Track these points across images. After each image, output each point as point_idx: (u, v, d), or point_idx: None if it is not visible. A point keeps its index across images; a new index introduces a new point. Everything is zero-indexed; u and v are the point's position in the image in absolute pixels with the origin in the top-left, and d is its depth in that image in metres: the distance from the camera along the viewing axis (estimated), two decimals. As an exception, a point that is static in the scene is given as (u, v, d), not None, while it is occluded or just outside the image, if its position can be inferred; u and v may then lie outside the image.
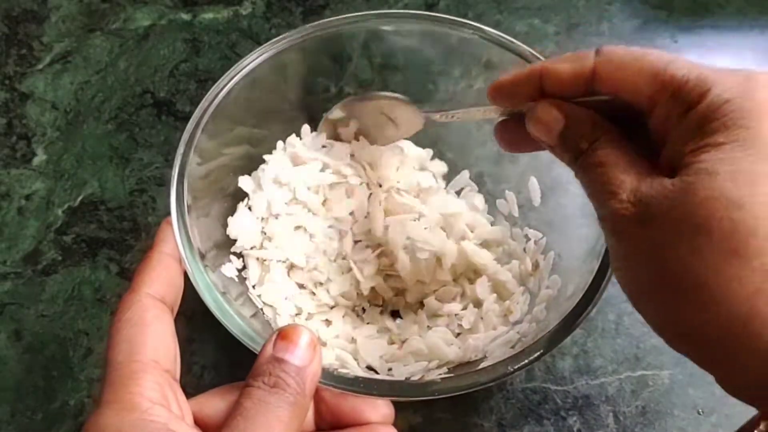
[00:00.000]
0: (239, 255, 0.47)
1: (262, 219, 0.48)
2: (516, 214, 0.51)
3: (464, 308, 0.48)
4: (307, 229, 0.49)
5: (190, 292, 0.40)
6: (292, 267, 0.49)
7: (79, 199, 0.55)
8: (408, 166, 0.52)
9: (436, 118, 0.45)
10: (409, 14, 0.49)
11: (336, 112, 0.49)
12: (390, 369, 0.45)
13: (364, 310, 0.49)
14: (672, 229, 0.29)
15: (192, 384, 0.47)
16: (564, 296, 0.42)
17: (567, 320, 0.38)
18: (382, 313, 0.49)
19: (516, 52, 0.46)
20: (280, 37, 0.48)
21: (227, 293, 0.41)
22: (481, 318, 0.47)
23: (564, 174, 0.48)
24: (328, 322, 0.48)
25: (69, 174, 0.56)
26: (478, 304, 0.48)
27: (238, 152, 0.49)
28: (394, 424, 0.39)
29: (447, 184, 0.53)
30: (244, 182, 0.48)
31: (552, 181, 0.49)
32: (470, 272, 0.49)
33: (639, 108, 0.33)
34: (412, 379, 0.43)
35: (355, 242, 0.50)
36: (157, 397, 0.33)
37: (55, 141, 0.58)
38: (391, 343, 0.47)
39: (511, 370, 0.37)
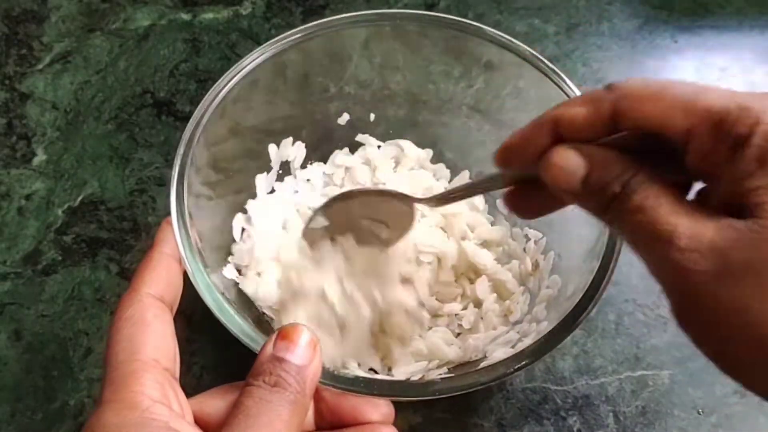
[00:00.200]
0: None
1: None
2: (516, 213, 0.51)
3: (464, 308, 0.48)
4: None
5: (189, 292, 0.40)
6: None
7: (79, 199, 0.55)
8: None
9: (431, 205, 0.41)
10: (409, 14, 0.49)
11: (317, 221, 0.45)
12: (390, 369, 0.45)
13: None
14: (758, 282, 0.25)
15: (192, 384, 0.47)
16: (564, 296, 0.42)
17: (567, 320, 0.38)
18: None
19: (516, 51, 0.46)
20: (280, 37, 0.48)
21: (227, 293, 0.41)
22: (481, 318, 0.47)
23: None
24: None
25: (69, 174, 0.56)
26: (478, 304, 0.48)
27: (238, 152, 0.49)
28: (394, 424, 0.39)
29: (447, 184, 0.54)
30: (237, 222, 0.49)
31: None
32: (470, 272, 0.49)
33: (670, 143, 0.29)
34: (413, 379, 0.44)
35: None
36: (157, 395, 0.33)
37: (55, 141, 0.58)
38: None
39: (512, 370, 0.37)
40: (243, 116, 0.48)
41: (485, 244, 0.50)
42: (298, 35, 0.48)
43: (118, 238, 0.54)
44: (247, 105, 0.48)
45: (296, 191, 0.52)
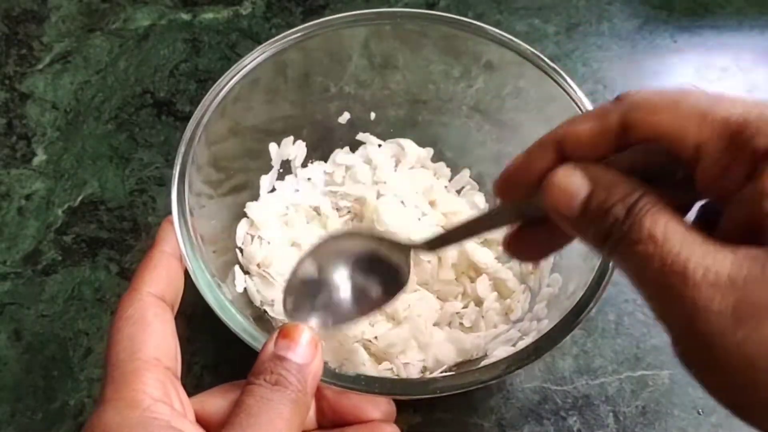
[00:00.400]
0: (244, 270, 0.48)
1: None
2: (517, 213, 0.51)
3: (465, 307, 0.48)
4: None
5: (190, 292, 0.40)
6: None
7: (79, 199, 0.55)
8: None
9: (427, 249, 0.38)
10: (409, 14, 0.49)
11: (305, 268, 0.40)
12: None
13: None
14: None
15: (192, 384, 0.47)
16: (565, 294, 0.42)
17: (568, 318, 0.38)
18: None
19: (516, 50, 0.46)
20: (280, 36, 0.48)
21: (228, 291, 0.41)
22: (482, 316, 0.47)
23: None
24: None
25: (69, 174, 0.56)
26: (478, 302, 0.48)
27: (239, 151, 0.49)
28: (394, 423, 0.39)
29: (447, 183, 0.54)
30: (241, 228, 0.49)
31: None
32: (471, 271, 0.49)
33: (680, 159, 0.27)
34: (414, 377, 0.44)
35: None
36: (159, 394, 0.33)
37: (55, 141, 0.58)
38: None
39: (512, 368, 0.37)
40: (243, 116, 0.48)
41: (486, 242, 0.50)
42: (298, 35, 0.48)
43: (118, 238, 0.54)
44: (248, 105, 0.48)
45: (297, 190, 0.52)
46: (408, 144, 0.53)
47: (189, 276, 0.40)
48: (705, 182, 0.26)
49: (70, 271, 0.52)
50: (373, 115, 0.53)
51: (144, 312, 0.36)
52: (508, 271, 0.48)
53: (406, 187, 0.51)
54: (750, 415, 0.24)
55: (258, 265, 0.47)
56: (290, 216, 0.50)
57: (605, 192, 0.27)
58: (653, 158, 0.28)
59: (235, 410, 0.32)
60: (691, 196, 0.28)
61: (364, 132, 0.54)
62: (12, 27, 0.64)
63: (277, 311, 0.46)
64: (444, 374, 0.41)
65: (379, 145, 0.54)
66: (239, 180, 0.49)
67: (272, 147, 0.51)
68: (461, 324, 0.47)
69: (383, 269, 0.39)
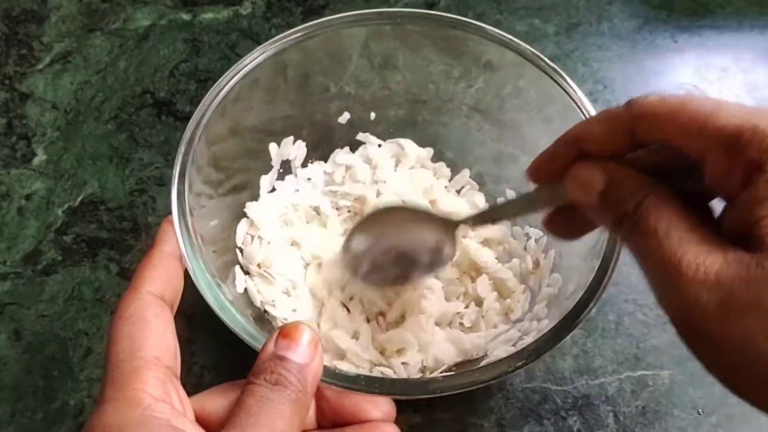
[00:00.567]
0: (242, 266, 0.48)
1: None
2: (517, 212, 0.51)
3: (465, 306, 0.48)
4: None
5: (190, 292, 0.40)
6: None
7: (79, 199, 0.55)
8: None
9: (471, 225, 0.42)
10: (409, 14, 0.49)
11: (357, 240, 0.45)
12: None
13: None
14: (763, 319, 0.24)
15: (192, 384, 0.47)
16: (565, 294, 0.42)
17: (568, 318, 0.38)
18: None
19: (516, 50, 0.46)
20: (280, 36, 0.48)
21: (228, 291, 0.41)
22: (482, 316, 0.47)
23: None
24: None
25: (69, 174, 0.56)
26: (479, 302, 0.48)
27: (239, 151, 0.49)
28: (394, 424, 0.39)
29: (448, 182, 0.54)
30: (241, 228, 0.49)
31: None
32: (472, 270, 0.49)
33: (689, 163, 0.29)
34: (414, 376, 0.44)
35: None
36: (159, 393, 0.33)
37: (55, 141, 0.58)
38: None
39: (513, 368, 0.37)
40: (243, 116, 0.48)
41: (486, 242, 0.50)
42: (298, 35, 0.48)
43: (118, 238, 0.54)
44: (248, 105, 0.48)
45: (297, 190, 0.52)
46: (408, 144, 0.53)
47: (189, 276, 0.40)
48: (711, 183, 0.29)
49: (70, 271, 0.52)
50: (373, 115, 0.53)
51: (144, 311, 0.36)
52: (508, 271, 0.48)
53: (406, 187, 0.51)
54: (739, 388, 0.27)
55: (258, 265, 0.47)
56: (290, 216, 0.50)
57: (618, 187, 0.31)
58: (668, 155, 0.30)
59: (235, 410, 0.32)
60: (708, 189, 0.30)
61: (364, 132, 0.54)
62: (12, 27, 0.64)
63: (277, 311, 0.46)
64: (444, 374, 0.41)
65: (379, 145, 0.54)
66: (239, 180, 0.49)
67: (272, 147, 0.51)
68: (461, 324, 0.47)
69: (429, 242, 0.43)
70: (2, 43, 0.63)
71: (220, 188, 0.47)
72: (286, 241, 0.50)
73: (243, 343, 0.38)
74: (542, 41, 0.64)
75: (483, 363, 0.41)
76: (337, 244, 0.49)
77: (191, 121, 0.44)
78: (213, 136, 0.45)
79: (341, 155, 0.53)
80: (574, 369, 0.49)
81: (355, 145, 0.54)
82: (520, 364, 0.37)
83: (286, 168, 0.52)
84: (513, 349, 0.40)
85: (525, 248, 0.49)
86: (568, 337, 0.38)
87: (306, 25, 0.48)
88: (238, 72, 0.46)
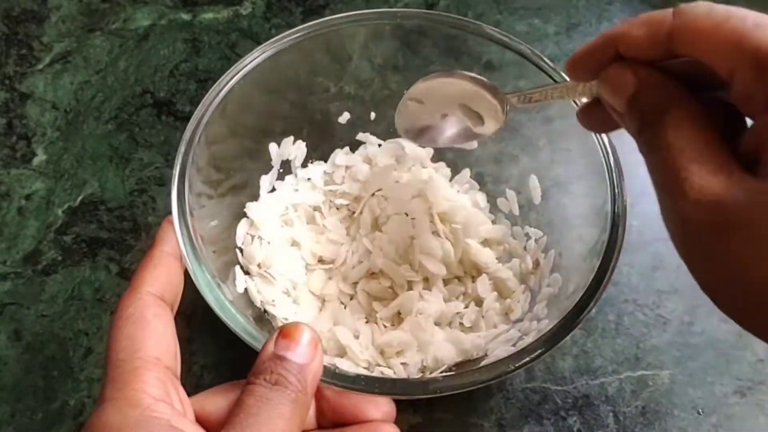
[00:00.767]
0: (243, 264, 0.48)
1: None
2: (517, 212, 0.51)
3: (465, 306, 0.48)
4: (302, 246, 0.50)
5: (190, 292, 0.40)
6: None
7: (79, 199, 0.55)
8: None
9: (514, 102, 0.42)
10: (409, 14, 0.49)
11: (415, 90, 0.45)
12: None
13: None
14: (758, 244, 0.25)
15: (192, 384, 0.47)
16: (565, 294, 0.42)
17: (568, 318, 0.38)
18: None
19: (516, 50, 0.46)
20: (280, 36, 0.48)
21: (228, 291, 0.41)
22: (482, 316, 0.47)
23: (564, 173, 0.48)
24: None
25: (69, 174, 0.56)
26: (479, 302, 0.48)
27: (239, 151, 0.49)
28: (394, 424, 0.39)
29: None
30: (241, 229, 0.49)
31: (552, 181, 0.49)
32: (472, 270, 0.49)
33: (720, 80, 0.29)
34: (413, 377, 0.44)
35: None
36: (159, 393, 0.33)
37: (55, 141, 0.58)
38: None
39: (512, 368, 0.37)
40: (243, 116, 0.48)
41: (486, 242, 0.50)
42: (298, 35, 0.48)
43: (118, 238, 0.54)
44: (248, 105, 0.48)
45: (296, 190, 0.52)
46: (408, 144, 0.53)
47: (189, 276, 0.40)
48: (736, 102, 0.29)
49: (70, 271, 0.52)
50: (373, 115, 0.53)
51: (144, 311, 0.36)
52: (508, 271, 0.48)
53: (405, 187, 0.51)
54: (725, 307, 0.28)
55: (258, 265, 0.47)
56: (290, 216, 0.50)
57: (647, 94, 0.30)
58: (704, 67, 0.30)
59: (235, 410, 0.32)
60: None
61: (364, 132, 0.54)
62: (12, 27, 0.64)
63: (278, 310, 0.46)
64: (444, 374, 0.41)
65: (379, 145, 0.54)
66: (239, 180, 0.49)
67: (272, 147, 0.51)
68: (461, 324, 0.47)
69: (483, 106, 0.43)
70: (2, 43, 0.63)
71: (220, 188, 0.47)
72: (286, 241, 0.50)
73: (243, 343, 0.38)
74: (542, 41, 0.64)
75: (483, 363, 0.41)
76: (337, 244, 0.49)
77: (191, 121, 0.44)
78: (213, 136, 0.45)
79: (340, 156, 0.53)
80: (574, 369, 0.49)
81: (355, 145, 0.54)
82: (520, 364, 0.37)
83: (286, 168, 0.52)
84: (513, 349, 0.40)
85: (525, 248, 0.49)
86: (568, 337, 0.38)
87: (306, 25, 0.48)
88: (238, 72, 0.46)
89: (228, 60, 0.62)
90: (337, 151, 0.53)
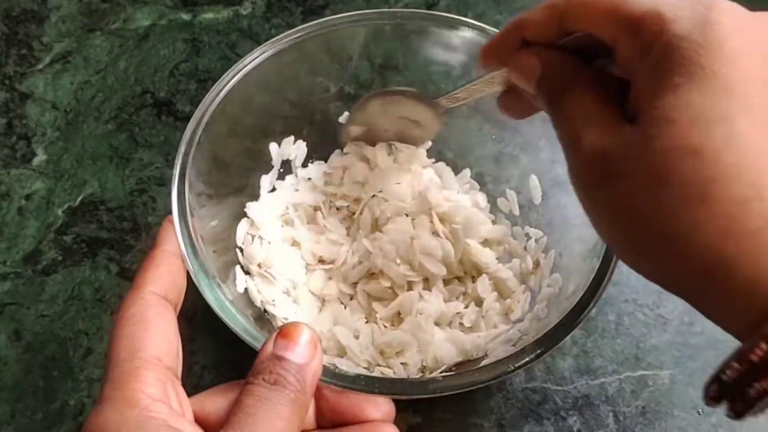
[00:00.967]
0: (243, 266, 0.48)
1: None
2: (517, 212, 0.51)
3: (465, 306, 0.48)
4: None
5: (190, 292, 0.40)
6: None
7: (79, 199, 0.55)
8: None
9: (445, 104, 0.45)
10: (409, 14, 0.49)
11: (356, 116, 0.50)
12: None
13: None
14: (635, 184, 0.28)
15: (192, 384, 0.47)
16: (565, 294, 0.42)
17: (568, 318, 0.38)
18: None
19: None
20: (280, 36, 0.48)
21: (229, 291, 0.41)
22: (482, 316, 0.47)
23: (564, 173, 0.48)
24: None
25: (69, 174, 0.56)
26: (479, 302, 0.48)
27: (239, 151, 0.49)
28: (394, 424, 0.39)
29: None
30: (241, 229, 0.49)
31: (552, 181, 0.49)
32: (472, 270, 0.49)
33: (609, 48, 0.32)
34: (413, 376, 0.44)
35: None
36: (157, 393, 0.33)
37: (55, 141, 0.58)
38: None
39: (512, 368, 0.37)
40: (243, 116, 0.48)
41: (486, 242, 0.50)
42: (298, 35, 0.48)
43: (118, 238, 0.54)
44: (248, 105, 0.48)
45: (297, 189, 0.52)
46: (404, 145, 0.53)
47: (189, 276, 0.40)
48: (620, 67, 0.32)
49: (70, 271, 0.52)
50: (373, 115, 0.53)
51: (146, 311, 0.36)
52: (509, 271, 0.48)
53: (405, 187, 0.51)
54: (615, 250, 0.33)
55: (259, 265, 0.47)
56: (290, 216, 0.50)
57: (551, 73, 0.34)
58: (595, 41, 0.32)
59: (234, 410, 0.32)
60: None
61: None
62: (12, 27, 0.64)
63: (278, 310, 0.46)
64: (444, 374, 0.41)
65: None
66: (239, 180, 0.49)
67: (272, 147, 0.51)
68: (461, 324, 0.47)
69: (420, 115, 0.48)
70: (2, 43, 0.63)
71: (220, 188, 0.47)
72: (286, 241, 0.50)
73: (243, 343, 0.38)
74: (542, 41, 0.64)
75: (483, 363, 0.41)
76: (337, 244, 0.49)
77: (191, 121, 0.44)
78: (213, 136, 0.45)
79: (338, 158, 0.53)
80: (574, 369, 0.49)
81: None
82: (520, 364, 0.37)
83: (286, 168, 0.52)
84: (513, 349, 0.40)
85: (525, 248, 0.49)
86: (568, 337, 0.38)
87: (306, 25, 0.48)
88: (238, 72, 0.46)
89: (228, 60, 0.62)
90: (337, 151, 0.53)
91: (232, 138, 0.47)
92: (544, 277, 0.46)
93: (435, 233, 0.49)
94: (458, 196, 0.52)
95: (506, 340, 0.44)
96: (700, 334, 0.50)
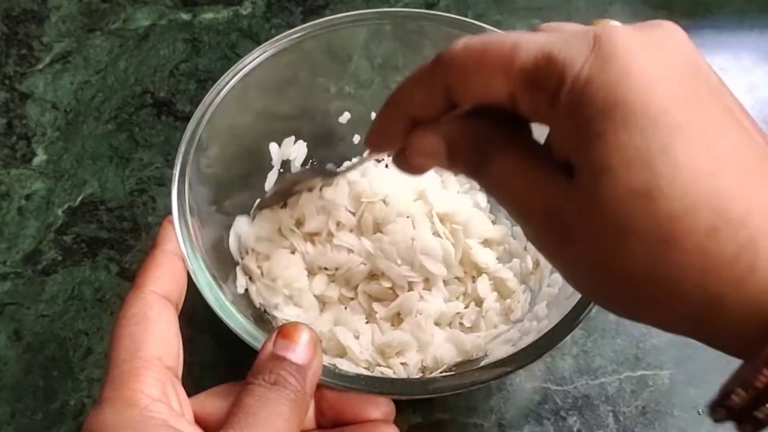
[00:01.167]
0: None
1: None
2: (517, 213, 0.50)
3: (465, 306, 0.48)
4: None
5: (190, 291, 0.40)
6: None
7: (79, 199, 0.55)
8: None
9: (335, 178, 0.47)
10: (409, 14, 0.49)
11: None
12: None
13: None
14: (595, 240, 0.27)
15: (192, 384, 0.47)
16: (565, 295, 0.42)
17: (568, 318, 0.38)
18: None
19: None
20: (280, 36, 0.48)
21: (229, 291, 0.41)
22: (482, 316, 0.47)
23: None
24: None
25: (69, 174, 0.56)
26: (479, 302, 0.48)
27: (239, 151, 0.49)
28: (394, 424, 0.39)
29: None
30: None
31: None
32: (472, 270, 0.49)
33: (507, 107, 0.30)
34: (413, 376, 0.44)
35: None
36: (157, 393, 0.32)
37: (55, 141, 0.58)
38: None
39: (512, 368, 0.37)
40: (243, 116, 0.48)
41: (486, 242, 0.50)
42: (298, 35, 0.48)
43: (118, 238, 0.54)
44: (248, 105, 0.48)
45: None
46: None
47: (190, 276, 0.40)
48: (529, 118, 0.30)
49: (70, 271, 0.52)
50: (373, 115, 0.53)
51: (147, 311, 0.36)
52: (509, 271, 0.48)
53: (405, 188, 0.51)
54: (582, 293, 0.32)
55: (261, 272, 0.47)
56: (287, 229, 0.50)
57: (459, 147, 0.32)
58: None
59: (234, 410, 0.32)
60: None
61: (365, 132, 0.53)
62: (12, 27, 0.64)
63: (278, 313, 0.46)
64: (444, 374, 0.41)
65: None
66: (239, 180, 0.49)
67: (272, 147, 0.51)
68: (461, 324, 0.47)
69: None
70: (2, 43, 0.63)
71: (220, 188, 0.47)
72: (285, 248, 0.49)
73: (243, 343, 0.38)
74: (542, 41, 0.64)
75: (483, 363, 0.41)
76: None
77: (191, 121, 0.44)
78: (213, 136, 0.45)
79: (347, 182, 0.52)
80: (574, 369, 0.49)
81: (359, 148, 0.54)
82: (520, 364, 0.37)
83: (286, 168, 0.52)
84: (513, 349, 0.40)
85: (525, 248, 0.49)
86: (568, 337, 0.38)
87: (306, 25, 0.48)
88: (238, 72, 0.46)
89: (228, 60, 0.62)
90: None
91: (232, 138, 0.47)
92: (544, 277, 0.46)
93: (435, 234, 0.49)
94: (458, 196, 0.52)
95: (506, 340, 0.44)
96: (700, 334, 0.50)
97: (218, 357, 0.49)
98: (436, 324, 0.46)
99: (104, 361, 0.34)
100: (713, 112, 0.27)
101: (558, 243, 0.28)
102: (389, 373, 0.44)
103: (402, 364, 0.44)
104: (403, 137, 0.34)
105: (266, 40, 0.48)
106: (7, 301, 0.51)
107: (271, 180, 0.51)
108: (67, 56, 0.63)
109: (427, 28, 0.49)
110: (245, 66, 0.46)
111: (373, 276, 0.49)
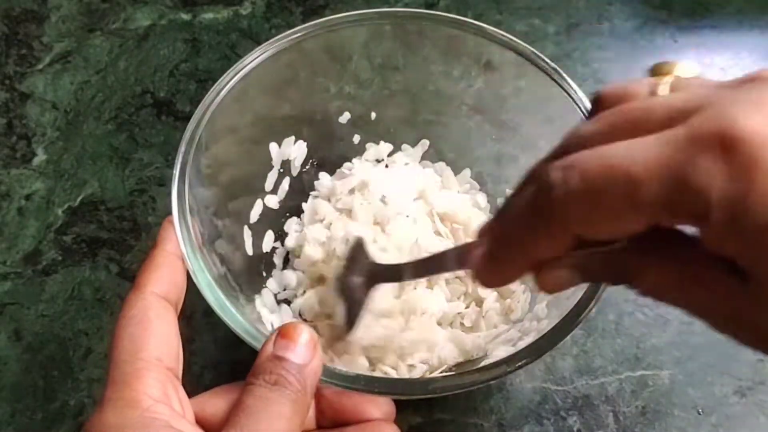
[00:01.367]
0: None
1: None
2: (517, 213, 0.50)
3: (466, 306, 0.48)
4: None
5: (190, 292, 0.40)
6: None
7: (79, 199, 0.55)
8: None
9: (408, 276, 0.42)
10: (409, 14, 0.49)
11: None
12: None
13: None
14: None
15: (192, 384, 0.46)
16: (565, 294, 0.42)
17: (568, 318, 0.38)
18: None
19: (516, 50, 0.46)
20: (280, 36, 0.47)
21: (228, 291, 0.41)
22: (483, 316, 0.47)
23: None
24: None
25: (69, 174, 0.56)
26: (479, 302, 0.48)
27: (239, 151, 0.49)
28: (394, 424, 0.39)
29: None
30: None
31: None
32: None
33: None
34: (414, 377, 0.43)
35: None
36: (158, 394, 0.32)
37: (55, 141, 0.58)
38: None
39: (512, 368, 0.37)
40: (243, 116, 0.48)
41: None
42: (298, 35, 0.48)
43: (118, 238, 0.54)
44: (248, 105, 0.48)
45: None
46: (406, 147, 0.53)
47: (189, 276, 0.40)
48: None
49: (70, 271, 0.52)
50: (373, 115, 0.53)
51: (147, 312, 0.36)
52: (509, 272, 0.48)
53: (405, 188, 0.51)
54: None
55: (287, 302, 0.48)
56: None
57: (596, 276, 0.30)
58: None
59: (235, 410, 0.32)
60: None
61: (365, 131, 0.53)
62: (12, 27, 0.64)
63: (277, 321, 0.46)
64: (444, 374, 0.41)
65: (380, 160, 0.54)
66: (239, 180, 0.49)
67: (272, 147, 0.51)
68: (462, 324, 0.47)
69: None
70: (2, 43, 0.63)
71: (220, 188, 0.47)
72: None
73: (243, 343, 0.38)
74: (542, 41, 0.64)
75: (483, 363, 0.41)
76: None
77: (191, 121, 0.44)
78: (213, 136, 0.45)
79: (342, 182, 0.52)
80: (574, 369, 0.49)
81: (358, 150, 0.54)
82: (520, 364, 0.37)
83: (286, 168, 0.52)
84: (513, 349, 0.40)
85: (525, 248, 0.49)
86: (568, 337, 0.38)
87: (306, 25, 0.48)
88: (238, 72, 0.46)
89: (228, 60, 0.62)
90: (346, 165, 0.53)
91: (232, 138, 0.47)
92: (545, 277, 0.46)
93: (437, 233, 0.49)
94: (458, 196, 0.52)
95: (506, 340, 0.44)
96: (700, 334, 0.50)
97: (218, 357, 0.49)
98: (438, 324, 0.46)
99: (104, 361, 0.34)
100: None
101: (742, 332, 0.27)
102: (390, 373, 0.44)
103: (409, 366, 0.44)
104: (522, 273, 0.31)
105: (266, 40, 0.48)
106: (7, 301, 0.51)
107: (271, 180, 0.51)
108: (67, 56, 0.63)
109: (427, 28, 0.49)
110: (245, 66, 0.46)
111: None
